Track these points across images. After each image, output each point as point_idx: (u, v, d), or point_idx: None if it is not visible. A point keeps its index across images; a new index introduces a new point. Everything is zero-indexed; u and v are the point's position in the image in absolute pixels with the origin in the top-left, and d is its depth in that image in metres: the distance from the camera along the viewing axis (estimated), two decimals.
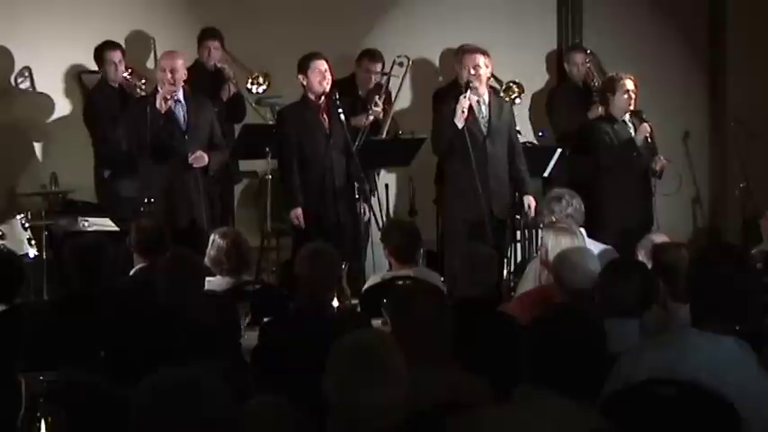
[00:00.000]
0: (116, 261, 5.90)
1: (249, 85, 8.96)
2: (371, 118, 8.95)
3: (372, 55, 9.37)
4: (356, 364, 3.16)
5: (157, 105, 7.74)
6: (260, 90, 8.95)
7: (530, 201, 8.21)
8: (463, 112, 7.99)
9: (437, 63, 10.04)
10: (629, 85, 8.45)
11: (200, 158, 7.81)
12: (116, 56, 8.78)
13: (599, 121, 8.71)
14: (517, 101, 9.16)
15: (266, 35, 9.44)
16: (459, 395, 3.69)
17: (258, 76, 8.95)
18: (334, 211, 8.13)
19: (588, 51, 9.89)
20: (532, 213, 8.17)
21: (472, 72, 8.14)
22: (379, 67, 9.34)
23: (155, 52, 9.16)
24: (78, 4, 9.29)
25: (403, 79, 9.40)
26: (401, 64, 9.38)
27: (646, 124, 8.40)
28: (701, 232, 10.28)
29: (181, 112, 7.86)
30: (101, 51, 8.81)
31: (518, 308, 5.43)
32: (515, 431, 3.28)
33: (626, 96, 8.44)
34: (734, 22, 10.69)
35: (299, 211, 8.01)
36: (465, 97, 8.05)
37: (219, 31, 9.10)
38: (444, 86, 9.49)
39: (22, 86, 9.25)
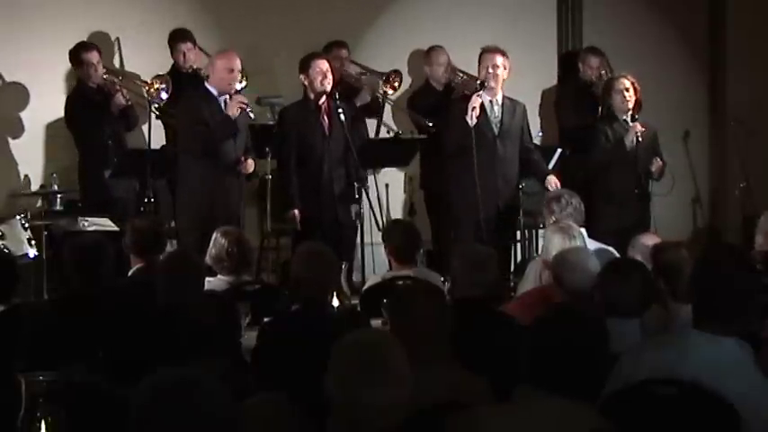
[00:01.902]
0: (115, 261, 5.90)
1: None
2: (370, 93, 9.11)
3: (339, 43, 9.37)
4: (358, 363, 3.15)
5: (231, 113, 7.74)
6: (237, 87, 8.88)
7: (553, 179, 8.20)
8: (474, 109, 8.00)
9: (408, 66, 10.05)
10: (624, 84, 8.44)
11: (251, 166, 7.89)
12: (94, 57, 8.74)
13: (600, 121, 8.71)
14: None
15: (256, 33, 9.45)
16: (459, 395, 3.69)
17: None
18: (334, 211, 8.13)
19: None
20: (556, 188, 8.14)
21: (490, 71, 8.14)
22: (345, 52, 9.36)
23: (120, 52, 9.16)
24: (79, 4, 9.29)
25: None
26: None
27: (636, 124, 8.36)
28: (701, 232, 10.27)
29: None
30: (77, 53, 8.76)
31: (518, 308, 5.42)
32: (515, 431, 3.28)
33: (620, 96, 8.44)
34: (734, 21, 10.70)
35: (295, 212, 8.02)
36: (478, 96, 8.05)
37: (190, 32, 9.06)
38: (417, 90, 9.50)
39: (22, 86, 9.25)
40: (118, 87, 8.67)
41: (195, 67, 8.96)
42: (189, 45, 9.00)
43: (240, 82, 8.72)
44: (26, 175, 9.17)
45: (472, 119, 8.00)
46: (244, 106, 7.80)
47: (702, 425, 3.60)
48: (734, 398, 3.57)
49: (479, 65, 8.29)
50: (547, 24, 10.48)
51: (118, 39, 9.32)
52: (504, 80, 8.27)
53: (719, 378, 3.61)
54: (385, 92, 9.33)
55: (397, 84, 9.33)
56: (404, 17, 10.10)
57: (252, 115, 7.95)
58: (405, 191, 9.77)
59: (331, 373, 3.17)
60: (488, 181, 8.03)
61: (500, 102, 8.25)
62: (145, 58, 9.31)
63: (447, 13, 10.07)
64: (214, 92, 7.86)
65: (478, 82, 8.22)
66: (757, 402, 3.61)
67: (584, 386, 3.33)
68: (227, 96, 7.85)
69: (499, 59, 8.18)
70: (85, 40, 9.03)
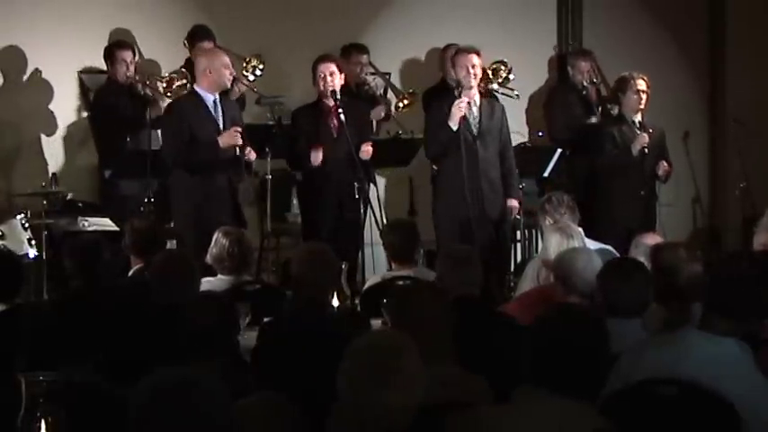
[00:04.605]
0: (115, 261, 5.90)
1: (245, 72, 8.93)
2: (385, 110, 9.17)
3: (359, 47, 9.45)
4: (372, 364, 3.13)
5: (222, 143, 7.68)
6: (257, 73, 8.92)
7: (512, 204, 8.15)
8: (460, 110, 7.93)
9: (433, 63, 10.04)
10: (641, 85, 8.43)
11: (253, 154, 7.88)
12: (128, 55, 8.81)
13: (607, 123, 8.71)
14: (511, 77, 9.11)
15: (258, 33, 9.44)
16: (458, 395, 3.69)
17: (251, 60, 8.92)
18: (338, 212, 8.14)
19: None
20: (516, 216, 8.16)
21: (471, 71, 8.04)
22: (365, 58, 9.41)
23: (137, 47, 9.19)
24: (78, 4, 9.29)
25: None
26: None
27: (644, 135, 8.34)
28: (701, 232, 10.26)
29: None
30: (112, 50, 8.83)
31: (517, 308, 5.43)
32: (515, 431, 3.28)
33: (636, 96, 8.42)
34: (733, 22, 10.70)
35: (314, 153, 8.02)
36: (461, 98, 7.97)
37: (210, 30, 9.09)
38: (433, 87, 9.48)
39: (22, 86, 9.25)
40: (148, 90, 8.68)
41: None
42: (211, 44, 9.01)
43: (256, 68, 8.79)
44: (26, 175, 9.16)
45: (455, 123, 7.91)
46: (238, 140, 7.70)
47: (702, 425, 3.60)
48: (733, 398, 3.57)
49: (455, 66, 8.10)
50: (546, 27, 10.48)
51: (133, 35, 9.36)
52: (480, 78, 8.16)
53: (719, 378, 3.61)
54: (397, 106, 9.38)
55: (407, 101, 9.35)
56: (402, 18, 10.09)
57: (253, 155, 7.86)
58: (405, 191, 9.75)
59: (343, 374, 3.15)
60: (473, 183, 7.97)
61: (477, 102, 8.14)
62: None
63: (447, 15, 10.06)
64: (204, 94, 7.82)
65: (456, 85, 8.08)
66: (757, 402, 3.61)
67: (584, 386, 3.33)
68: (220, 97, 7.85)
69: (476, 59, 8.05)
70: (82, 40, 9.06)
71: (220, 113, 7.82)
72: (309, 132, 8.14)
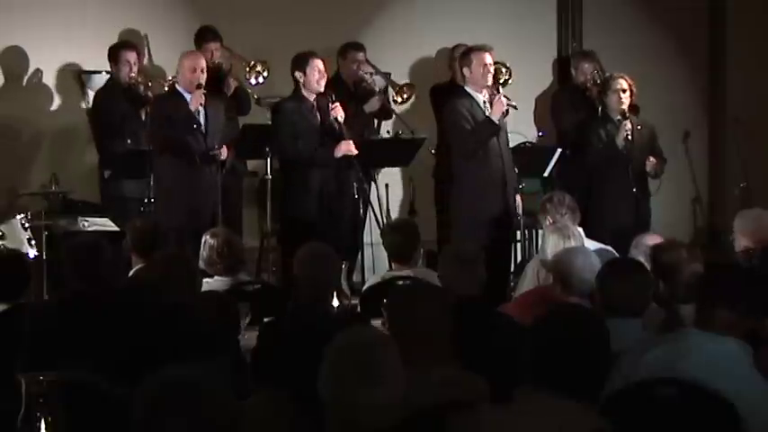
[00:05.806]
0: (116, 261, 5.90)
1: (247, 76, 8.93)
2: (380, 100, 9.18)
3: (356, 45, 9.42)
4: (352, 363, 3.14)
5: (192, 107, 7.91)
6: (260, 80, 8.94)
7: (518, 199, 8.23)
8: (503, 104, 7.97)
9: (435, 63, 10.04)
10: (621, 84, 8.44)
11: (223, 153, 8.03)
12: (132, 56, 8.80)
13: (594, 122, 8.73)
14: (509, 80, 9.13)
15: (261, 32, 9.44)
16: (459, 395, 3.69)
17: (255, 65, 8.93)
18: (333, 211, 8.12)
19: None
20: (520, 212, 8.18)
21: (490, 69, 8.09)
22: (362, 55, 9.38)
23: (148, 49, 9.19)
24: (75, 4, 9.29)
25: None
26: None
27: (626, 122, 8.35)
28: (701, 232, 10.28)
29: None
30: (116, 51, 8.82)
31: (517, 308, 5.43)
32: (516, 431, 3.28)
33: (616, 96, 8.44)
34: (734, 22, 10.71)
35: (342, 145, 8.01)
36: (500, 92, 8.04)
37: (217, 31, 9.09)
38: (442, 84, 9.47)
39: (23, 86, 9.25)
40: (147, 91, 8.70)
41: (216, 62, 8.96)
42: (218, 45, 9.01)
43: (261, 74, 8.81)
44: (26, 176, 9.17)
45: (498, 117, 7.98)
46: (202, 98, 7.93)
47: (702, 425, 3.60)
48: (733, 398, 3.57)
49: (470, 65, 8.09)
50: (547, 28, 10.48)
51: (146, 36, 9.35)
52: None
53: (719, 378, 3.62)
54: (395, 100, 9.38)
55: (406, 95, 9.35)
56: (403, 20, 10.09)
57: (224, 153, 8.00)
58: (405, 191, 9.76)
59: (325, 374, 3.16)
60: (506, 181, 8.03)
61: (488, 100, 8.17)
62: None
63: (448, 16, 10.06)
64: (183, 93, 7.99)
65: (491, 82, 8.13)
66: (757, 402, 3.61)
67: (584, 386, 3.33)
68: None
69: (489, 58, 8.12)
70: (83, 40, 9.06)
71: (202, 112, 7.97)
72: (296, 128, 8.09)
